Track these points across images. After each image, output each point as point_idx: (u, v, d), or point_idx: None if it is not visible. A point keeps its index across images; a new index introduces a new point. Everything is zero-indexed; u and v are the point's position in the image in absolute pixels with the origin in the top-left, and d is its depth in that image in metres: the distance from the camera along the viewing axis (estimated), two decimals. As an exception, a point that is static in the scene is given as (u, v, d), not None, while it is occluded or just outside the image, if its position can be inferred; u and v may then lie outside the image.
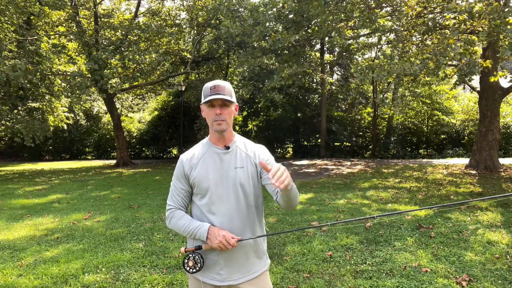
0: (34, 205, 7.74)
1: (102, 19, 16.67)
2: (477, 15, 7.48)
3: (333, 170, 13.24)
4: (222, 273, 1.66)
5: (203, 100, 1.65)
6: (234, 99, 1.67)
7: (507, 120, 18.42)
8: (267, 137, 21.76)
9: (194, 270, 1.61)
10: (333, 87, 21.86)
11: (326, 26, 10.09)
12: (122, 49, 15.37)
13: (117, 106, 22.34)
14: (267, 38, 12.20)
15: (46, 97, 16.13)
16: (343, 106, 23.39)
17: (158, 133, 22.46)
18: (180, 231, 1.68)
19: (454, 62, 9.32)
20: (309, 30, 12.61)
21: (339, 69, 23.41)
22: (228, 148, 1.71)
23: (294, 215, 6.10)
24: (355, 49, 13.68)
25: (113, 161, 18.97)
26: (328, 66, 20.85)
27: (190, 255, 1.62)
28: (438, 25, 8.90)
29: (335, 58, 20.48)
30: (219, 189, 1.66)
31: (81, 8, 16.10)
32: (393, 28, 9.12)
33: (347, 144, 21.63)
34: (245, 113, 22.03)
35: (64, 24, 16.42)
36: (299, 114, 22.41)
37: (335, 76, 23.65)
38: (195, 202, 1.73)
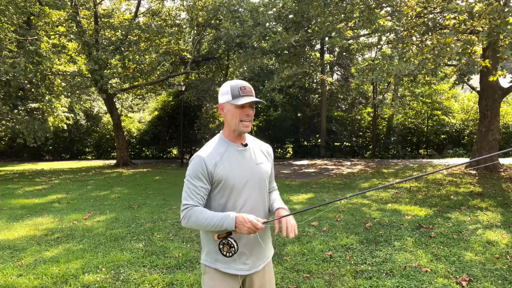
0: (34, 205, 7.74)
1: (102, 19, 16.67)
2: (477, 15, 7.49)
3: (333, 170, 13.23)
4: (248, 263, 1.76)
5: (232, 100, 1.69)
6: None
7: (507, 120, 18.42)
8: (267, 137, 21.75)
9: (231, 254, 1.67)
10: (333, 87, 21.86)
11: (326, 26, 10.08)
12: (122, 49, 15.36)
13: (117, 106, 22.33)
14: (267, 38, 12.19)
15: (46, 97, 16.13)
16: (343, 106, 23.39)
17: (158, 133, 22.46)
18: (202, 225, 1.65)
19: (454, 62, 9.32)
20: (309, 31, 12.61)
21: (339, 69, 23.40)
22: (246, 145, 1.80)
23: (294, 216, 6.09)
24: (355, 50, 13.68)
25: (113, 161, 18.98)
26: (328, 66, 20.84)
27: (224, 241, 1.67)
28: (438, 25, 8.90)
29: (335, 58, 20.48)
30: (245, 185, 1.74)
31: (81, 8, 16.10)
32: (393, 28, 9.13)
33: (347, 144, 21.64)
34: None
35: (64, 24, 16.42)
36: (299, 114, 22.41)
37: (335, 76, 23.65)
38: (216, 200, 1.74)
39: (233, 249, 1.66)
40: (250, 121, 1.73)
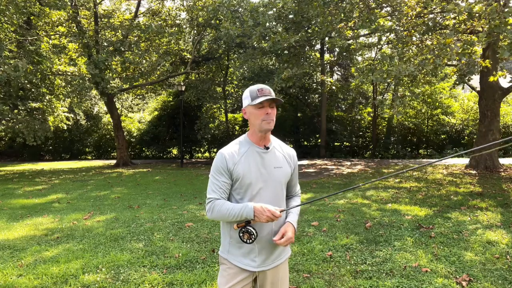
0: (34, 205, 7.74)
1: (102, 20, 16.67)
2: (476, 15, 7.49)
3: (333, 170, 13.24)
4: (256, 260, 1.83)
5: (252, 102, 1.80)
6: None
7: (507, 120, 18.42)
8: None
9: (251, 241, 1.77)
10: (333, 87, 21.89)
11: (326, 26, 10.08)
12: (122, 49, 15.36)
13: (117, 106, 22.35)
14: (267, 38, 12.18)
15: (47, 97, 16.14)
16: (343, 106, 23.39)
17: (158, 133, 22.46)
18: (224, 216, 1.79)
19: (454, 62, 9.32)
20: (309, 31, 12.61)
21: (339, 69, 23.41)
22: (267, 148, 1.87)
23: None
24: (355, 50, 13.68)
25: (113, 161, 18.97)
26: (328, 66, 20.83)
27: (243, 229, 1.77)
28: (438, 25, 8.90)
29: (335, 58, 20.47)
30: (260, 186, 1.81)
31: (81, 8, 16.10)
32: (393, 28, 9.12)
33: (347, 144, 21.64)
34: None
35: (64, 24, 16.43)
36: (299, 114, 22.41)
37: (335, 76, 23.65)
38: (234, 196, 1.86)
39: (253, 236, 1.76)
40: (272, 120, 1.80)
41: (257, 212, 1.72)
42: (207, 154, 23.96)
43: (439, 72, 8.40)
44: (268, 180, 1.83)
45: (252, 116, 1.83)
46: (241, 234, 1.78)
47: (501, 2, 7.84)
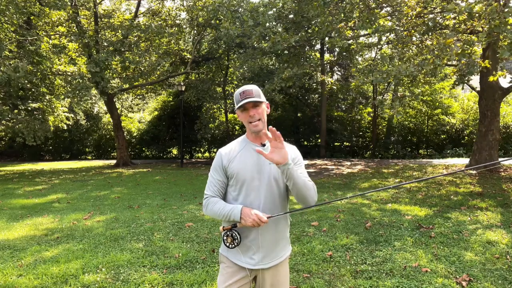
0: (34, 205, 7.74)
1: (103, 19, 16.67)
2: (476, 15, 7.49)
3: (333, 170, 13.24)
4: (254, 258, 1.84)
5: (236, 106, 1.85)
6: (263, 99, 1.85)
7: (507, 120, 18.42)
8: (267, 137, 21.73)
9: (233, 245, 1.79)
10: (333, 87, 21.90)
11: (325, 26, 10.08)
12: (122, 49, 15.36)
13: (117, 106, 22.34)
14: (267, 38, 12.19)
15: (47, 97, 16.15)
16: (343, 106, 23.39)
17: (158, 133, 22.47)
18: (215, 214, 1.83)
19: (454, 62, 9.32)
20: (309, 31, 12.62)
21: (339, 69, 23.41)
22: (264, 145, 1.88)
23: (293, 216, 6.10)
24: (355, 50, 13.69)
25: (113, 161, 18.98)
26: (328, 66, 20.83)
27: (228, 233, 1.78)
28: (438, 25, 8.90)
29: (335, 58, 20.48)
30: (255, 181, 1.83)
31: (81, 8, 16.10)
32: (393, 28, 9.13)
33: (347, 144, 21.64)
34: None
35: (64, 24, 16.43)
36: (299, 114, 22.41)
37: (335, 76, 23.65)
38: (230, 193, 1.89)
39: (236, 241, 1.77)
40: (259, 120, 1.81)
41: (244, 214, 1.73)
42: (207, 154, 23.96)
43: (439, 72, 8.39)
44: (263, 176, 1.83)
45: (241, 119, 1.89)
46: (224, 237, 1.79)
47: (501, 2, 7.83)
